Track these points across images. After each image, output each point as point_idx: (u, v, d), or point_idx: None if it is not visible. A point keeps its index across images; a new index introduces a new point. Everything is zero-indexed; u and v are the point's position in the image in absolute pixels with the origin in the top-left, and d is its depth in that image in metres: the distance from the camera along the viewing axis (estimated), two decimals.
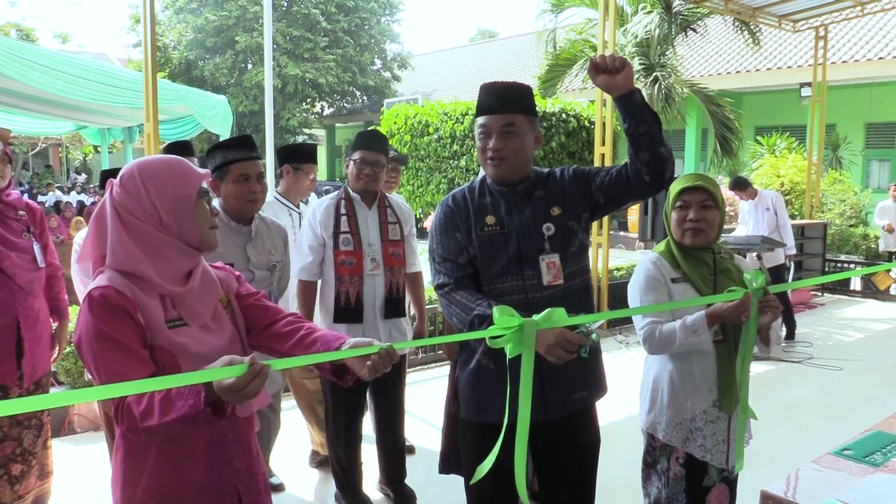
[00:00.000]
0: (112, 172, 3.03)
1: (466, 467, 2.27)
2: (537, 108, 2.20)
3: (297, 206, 3.72)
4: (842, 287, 9.59)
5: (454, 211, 2.13)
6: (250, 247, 2.58)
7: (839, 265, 10.19)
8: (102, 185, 3.29)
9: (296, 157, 3.61)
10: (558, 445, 2.17)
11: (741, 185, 7.00)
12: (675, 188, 2.29)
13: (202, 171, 1.63)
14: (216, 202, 2.59)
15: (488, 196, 2.14)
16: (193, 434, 1.46)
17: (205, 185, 1.62)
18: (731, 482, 2.32)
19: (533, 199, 2.13)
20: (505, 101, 2.07)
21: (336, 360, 1.52)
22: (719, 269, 2.26)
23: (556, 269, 2.07)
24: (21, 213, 2.85)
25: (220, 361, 1.27)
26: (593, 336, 1.77)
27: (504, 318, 1.61)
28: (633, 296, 2.29)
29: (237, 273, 1.76)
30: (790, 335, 6.90)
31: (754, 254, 6.50)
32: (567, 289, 2.09)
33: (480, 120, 2.10)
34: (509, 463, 1.70)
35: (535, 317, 1.65)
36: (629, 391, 2.92)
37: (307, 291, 3.14)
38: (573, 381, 2.12)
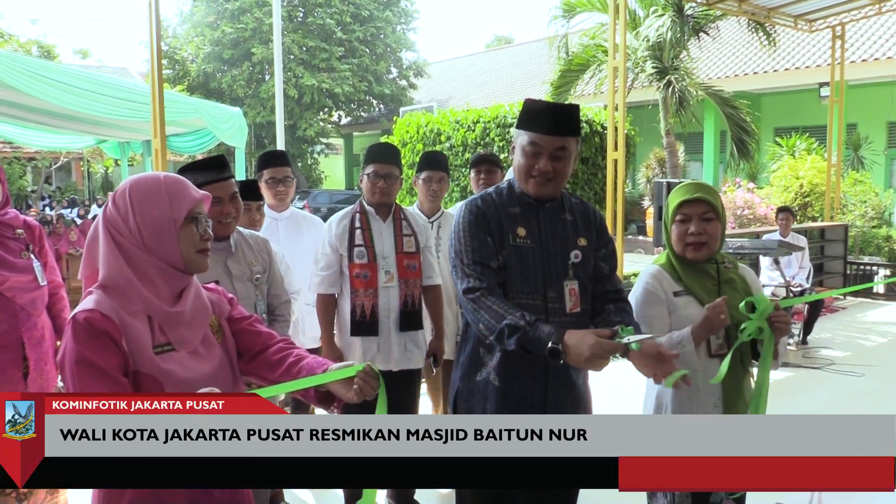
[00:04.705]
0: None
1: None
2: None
3: None
4: (864, 290, 9.41)
5: (485, 213, 2.05)
6: (231, 261, 2.55)
7: (861, 268, 10.00)
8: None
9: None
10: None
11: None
12: (673, 200, 2.23)
13: (200, 193, 1.59)
14: None
15: (518, 206, 2.08)
16: None
17: (201, 207, 1.58)
18: (739, 499, 2.26)
19: (560, 222, 2.10)
20: (561, 123, 2.00)
21: (320, 387, 1.50)
22: (723, 279, 2.20)
23: (575, 296, 2.05)
24: (19, 231, 2.84)
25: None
26: (633, 346, 1.76)
27: None
28: (633, 310, 2.24)
29: (230, 295, 1.73)
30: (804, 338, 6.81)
31: (770, 259, 6.40)
32: (585, 316, 2.07)
33: (531, 137, 2.00)
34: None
35: None
36: (633, 407, 2.87)
37: (327, 305, 3.14)
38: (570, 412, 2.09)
